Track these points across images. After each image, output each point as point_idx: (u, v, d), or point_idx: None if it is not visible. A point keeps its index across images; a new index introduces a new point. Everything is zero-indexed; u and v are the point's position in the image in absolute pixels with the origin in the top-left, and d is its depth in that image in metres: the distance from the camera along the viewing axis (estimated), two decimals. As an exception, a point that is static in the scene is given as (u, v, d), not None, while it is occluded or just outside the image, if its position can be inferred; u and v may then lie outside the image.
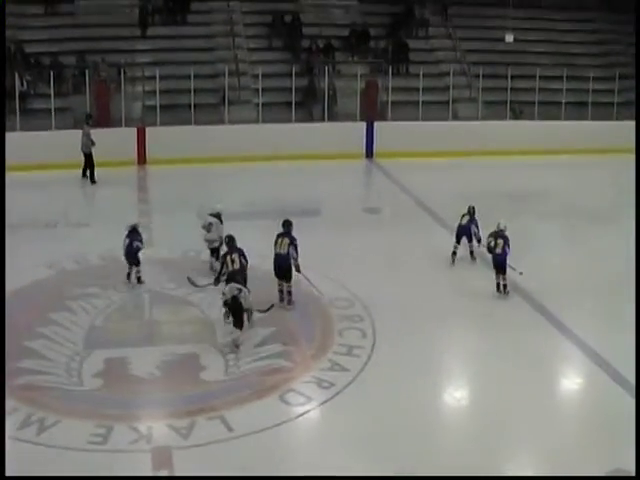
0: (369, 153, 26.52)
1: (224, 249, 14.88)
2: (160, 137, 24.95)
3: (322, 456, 10.83)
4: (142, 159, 25.28)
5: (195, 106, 25.99)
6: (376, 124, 26.74)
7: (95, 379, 12.42)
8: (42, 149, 24.23)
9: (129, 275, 16.01)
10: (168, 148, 24.52)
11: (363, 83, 27.70)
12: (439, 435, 11.39)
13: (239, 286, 13.51)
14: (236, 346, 13.32)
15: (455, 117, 28.20)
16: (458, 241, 17.35)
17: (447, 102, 28.11)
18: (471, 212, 17.38)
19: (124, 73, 26.75)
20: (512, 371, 12.72)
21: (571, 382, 13.14)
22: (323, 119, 27.26)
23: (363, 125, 26.73)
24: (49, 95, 25.92)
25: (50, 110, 25.58)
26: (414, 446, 10.87)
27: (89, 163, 23.97)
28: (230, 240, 14.64)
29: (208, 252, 16.55)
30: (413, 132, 26.14)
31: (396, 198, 22.06)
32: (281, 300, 15.02)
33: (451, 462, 10.52)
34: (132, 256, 15.93)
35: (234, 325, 13.43)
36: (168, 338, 13.75)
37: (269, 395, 12.07)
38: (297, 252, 14.98)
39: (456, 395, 12.62)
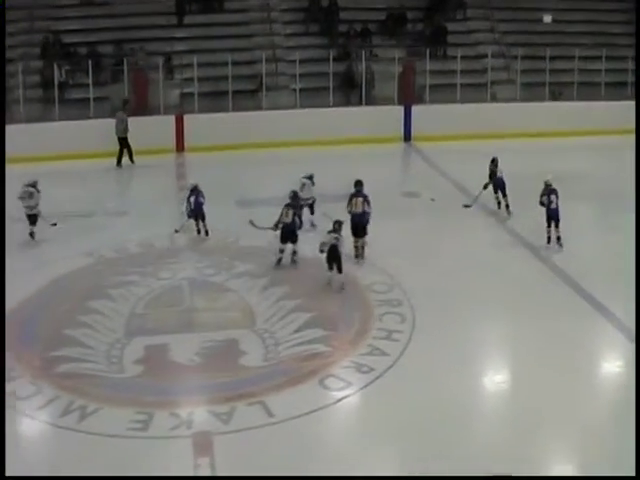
0: (407, 137, 26.33)
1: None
2: (198, 124, 24.94)
3: (361, 441, 10.85)
4: (180, 146, 25.31)
5: (233, 93, 25.97)
6: (414, 107, 26.55)
7: (136, 366, 12.52)
8: (81, 138, 24.35)
9: (199, 231, 17.75)
10: (206, 135, 24.53)
11: (400, 67, 27.49)
12: (478, 422, 11.35)
13: (337, 235, 15.05)
14: (342, 289, 14.82)
15: (493, 99, 27.94)
16: (495, 191, 19.05)
17: (485, 84, 27.84)
18: (496, 163, 18.94)
19: (169, 60, 27.05)
20: (552, 356, 12.61)
21: (612, 366, 13.01)
22: (361, 103, 27.07)
23: (401, 109, 26.55)
24: (87, 85, 26.04)
25: (89, 99, 25.73)
26: (452, 432, 10.83)
27: (126, 146, 24.22)
28: (294, 195, 16.69)
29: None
30: (451, 115, 25.94)
31: (434, 182, 21.93)
32: (356, 256, 16.22)
33: (488, 450, 10.49)
34: (200, 211, 17.63)
35: (338, 271, 14.95)
36: (208, 324, 13.80)
37: (309, 380, 12.10)
38: (371, 207, 16.34)
39: (495, 381, 12.57)
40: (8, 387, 11.86)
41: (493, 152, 19.81)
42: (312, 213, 18.28)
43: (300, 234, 16.45)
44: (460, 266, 16.10)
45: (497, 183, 19.02)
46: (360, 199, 16.48)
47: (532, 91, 28.02)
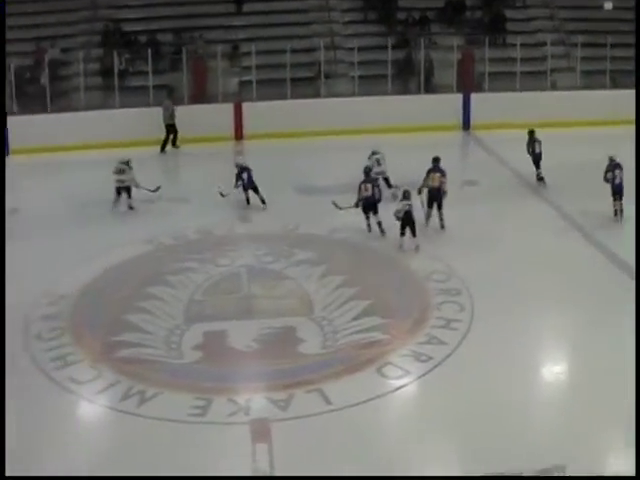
0: (466, 125, 26.11)
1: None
2: (257, 112, 24.94)
3: (418, 430, 10.83)
4: (239, 134, 25.34)
5: (291, 80, 26.00)
6: (473, 96, 26.29)
7: (194, 352, 12.61)
8: (141, 126, 24.53)
9: (248, 201, 19.00)
10: (265, 123, 24.54)
11: (459, 54, 27.27)
12: (535, 412, 11.25)
13: (409, 202, 16.28)
14: (417, 250, 16.12)
15: (553, 87, 27.59)
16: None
17: (545, 72, 27.49)
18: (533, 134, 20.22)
19: (236, 48, 27.23)
20: (612, 348, 12.40)
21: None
22: (419, 91, 26.92)
23: (460, 97, 26.31)
24: (147, 72, 26.24)
25: (148, 87, 25.92)
26: (509, 422, 10.73)
27: (172, 132, 24.59)
28: (368, 171, 17.91)
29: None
30: (510, 103, 25.63)
31: (493, 170, 21.75)
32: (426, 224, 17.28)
33: (544, 441, 10.34)
34: (253, 184, 18.93)
35: (413, 234, 16.22)
36: (266, 311, 13.85)
37: (367, 368, 12.09)
38: (447, 180, 17.55)
39: (553, 372, 12.45)
40: (67, 371, 12.11)
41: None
42: (389, 186, 19.13)
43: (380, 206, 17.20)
44: (519, 254, 15.98)
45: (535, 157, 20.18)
46: (438, 174, 17.60)
47: (592, 79, 27.63)
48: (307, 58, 27.55)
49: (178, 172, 23.79)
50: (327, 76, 26.87)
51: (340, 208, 17.36)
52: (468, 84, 26.91)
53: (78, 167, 22.83)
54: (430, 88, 27.15)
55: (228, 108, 25.41)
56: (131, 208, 19.23)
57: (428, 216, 17.43)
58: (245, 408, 11.19)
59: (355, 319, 13.39)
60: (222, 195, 18.94)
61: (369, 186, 17.18)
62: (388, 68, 26.41)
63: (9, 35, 28.26)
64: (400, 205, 16.44)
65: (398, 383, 11.82)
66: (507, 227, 17.51)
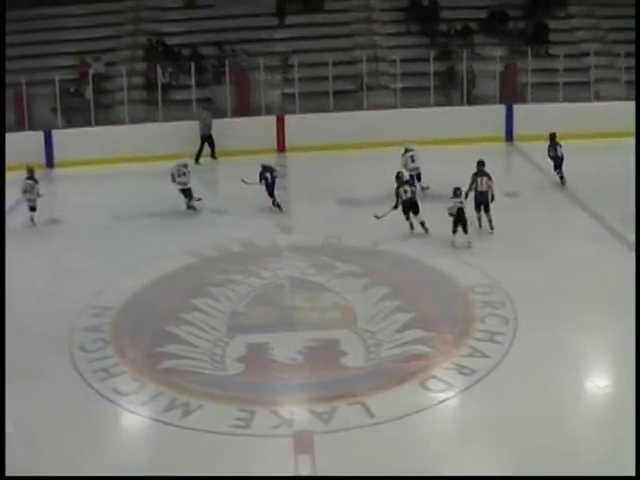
0: (509, 136, 25.98)
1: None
2: (299, 124, 25.05)
3: (461, 444, 10.70)
4: (282, 146, 25.47)
5: (333, 93, 26.05)
6: (516, 107, 26.19)
7: (238, 364, 12.61)
8: (184, 139, 24.73)
9: (275, 202, 19.55)
10: (307, 135, 24.66)
11: (502, 65, 27.17)
12: (579, 427, 11.05)
13: (460, 199, 16.99)
14: (469, 247, 16.83)
15: (597, 98, 27.40)
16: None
17: (588, 83, 27.31)
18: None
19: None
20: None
21: None
22: (462, 103, 26.90)
23: (502, 108, 26.22)
24: (190, 86, 26.42)
25: (191, 101, 26.09)
26: (552, 437, 10.56)
27: (210, 143, 24.95)
28: (398, 176, 18.33)
29: None
30: (554, 114, 25.43)
31: (536, 181, 21.63)
32: (480, 226, 17.82)
33: (589, 455, 10.22)
34: (275, 186, 19.60)
35: (464, 232, 16.95)
36: (309, 324, 13.83)
37: (410, 381, 12.00)
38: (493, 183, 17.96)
39: (598, 386, 12.24)
40: (111, 382, 12.16)
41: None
42: (419, 181, 20.35)
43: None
44: (563, 266, 15.80)
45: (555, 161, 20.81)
46: (485, 178, 17.98)
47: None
48: (349, 70, 27.62)
49: (220, 184, 23.88)
50: (369, 88, 26.87)
51: (380, 217, 17.59)
52: (511, 95, 26.80)
53: (121, 179, 23.05)
54: (472, 99, 27.07)
55: (270, 120, 25.50)
56: (190, 208, 19.99)
57: (479, 219, 17.88)
58: (288, 420, 11.16)
59: (398, 332, 13.32)
60: (244, 182, 19.90)
61: (407, 188, 17.88)
62: (430, 80, 26.35)
63: (54, 49, 28.68)
64: (452, 203, 17.02)
65: (441, 396, 11.73)
66: (550, 239, 17.36)
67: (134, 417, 11.61)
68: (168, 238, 18.18)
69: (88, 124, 26.20)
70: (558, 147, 20.92)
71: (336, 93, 26.14)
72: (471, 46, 28.46)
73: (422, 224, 17.67)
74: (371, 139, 24.40)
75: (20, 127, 26.07)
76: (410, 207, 17.74)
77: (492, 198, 17.86)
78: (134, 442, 11.25)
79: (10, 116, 26.25)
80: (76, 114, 27.01)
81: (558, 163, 20.97)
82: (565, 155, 20.66)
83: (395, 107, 26.45)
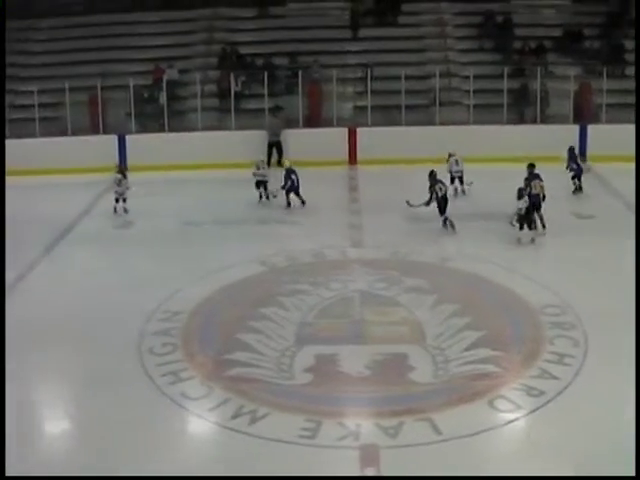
0: (582, 156, 25.72)
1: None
2: (371, 137, 25.03)
3: (528, 465, 10.56)
4: (353, 159, 25.48)
5: (405, 107, 26.04)
6: (589, 127, 25.93)
7: (305, 374, 12.62)
8: (255, 147, 24.88)
9: (290, 204, 20.98)
10: (378, 148, 24.66)
11: (576, 85, 26.92)
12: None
13: (526, 198, 18.17)
14: (533, 242, 18.15)
15: (673, 120, 27.02)
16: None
17: (663, 105, 26.98)
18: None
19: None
20: None
21: None
22: (535, 121, 26.70)
23: (576, 128, 25.95)
24: (262, 95, 26.61)
25: (264, 110, 26.26)
26: (622, 462, 10.26)
27: (278, 150, 25.14)
28: (432, 174, 19.52)
29: None
30: (628, 135, 25.12)
31: (609, 203, 21.37)
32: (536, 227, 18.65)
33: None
34: (299, 186, 20.87)
35: (529, 228, 18.24)
36: (377, 337, 13.79)
37: (477, 400, 11.89)
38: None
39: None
40: (179, 387, 12.25)
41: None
42: (462, 183, 21.85)
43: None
44: (634, 289, 15.55)
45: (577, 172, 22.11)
46: (538, 181, 18.97)
47: None
48: (422, 85, 27.57)
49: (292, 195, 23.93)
50: (442, 104, 26.80)
51: (412, 206, 19.12)
52: (585, 115, 26.54)
53: (192, 186, 23.28)
54: (546, 118, 26.84)
55: (342, 133, 25.55)
56: (269, 197, 21.57)
57: (534, 221, 18.66)
58: (355, 433, 11.13)
59: (467, 350, 13.23)
60: (274, 197, 21.17)
61: (442, 186, 19.27)
62: (504, 97, 26.20)
63: (129, 55, 29.08)
64: (521, 203, 18.13)
65: (509, 417, 11.61)
66: (623, 261, 17.08)
67: (202, 422, 11.70)
68: (238, 246, 18.30)
69: (161, 130, 26.53)
70: (578, 158, 22.67)
71: (408, 107, 26.12)
72: (545, 64, 28.23)
73: (446, 220, 19.04)
74: (442, 155, 24.31)
75: (95, 131, 26.50)
76: (445, 204, 19.04)
77: (544, 198, 18.90)
78: (201, 447, 11.31)
79: (85, 120, 26.73)
80: (149, 120, 27.38)
81: (578, 174, 22.35)
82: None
83: (467, 123, 26.38)
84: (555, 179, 22.67)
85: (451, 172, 21.91)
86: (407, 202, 19.24)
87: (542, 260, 16.99)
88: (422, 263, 17.11)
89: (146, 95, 27.80)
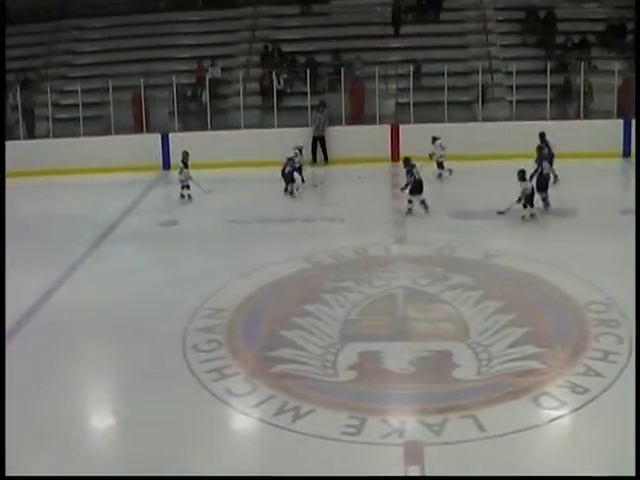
0: (626, 152, 25.49)
1: None
2: (413, 134, 24.96)
3: (572, 463, 10.46)
4: (396, 156, 25.39)
5: (448, 104, 25.98)
6: (634, 122, 25.66)
7: (349, 371, 12.60)
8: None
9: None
10: (421, 145, 24.57)
11: (620, 80, 26.69)
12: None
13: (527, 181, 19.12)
14: (533, 217, 19.13)
15: None
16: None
17: None
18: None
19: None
20: None
21: None
22: (578, 117, 26.55)
23: (620, 123, 25.73)
24: (305, 93, 26.67)
25: (306, 108, 26.32)
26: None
27: (322, 145, 25.33)
28: (406, 160, 20.52)
29: None
30: (674, 129, 24.94)
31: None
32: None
33: None
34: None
35: (530, 206, 19.23)
36: (421, 334, 13.74)
37: (522, 397, 11.80)
38: None
39: None
40: (224, 383, 12.31)
41: None
42: (442, 167, 23.33)
43: None
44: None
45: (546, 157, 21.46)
46: (547, 162, 20.44)
47: None
48: (464, 81, 27.49)
49: (336, 192, 23.96)
50: (485, 100, 26.70)
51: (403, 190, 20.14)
52: (629, 110, 26.29)
53: (236, 184, 23.42)
54: (589, 114, 26.64)
55: (385, 129, 25.53)
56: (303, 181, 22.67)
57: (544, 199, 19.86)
58: (399, 430, 11.12)
59: (511, 346, 13.15)
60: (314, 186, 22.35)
61: (418, 170, 20.17)
62: (547, 93, 26.05)
63: (172, 53, 29.32)
64: (526, 184, 19.07)
65: (554, 414, 11.51)
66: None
67: (246, 419, 11.71)
68: (282, 243, 18.41)
69: (204, 128, 26.69)
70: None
71: (451, 104, 26.05)
72: (588, 59, 28.04)
73: (423, 202, 19.85)
74: (486, 151, 24.26)
75: (138, 130, 26.72)
76: (420, 188, 19.88)
77: (555, 178, 20.89)
78: (245, 444, 11.37)
79: (129, 119, 26.98)
80: (192, 118, 27.56)
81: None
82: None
83: (510, 119, 26.26)
84: (599, 175, 22.67)
85: (436, 156, 23.16)
86: (401, 189, 20.32)
87: (587, 256, 16.79)
88: (466, 260, 17.02)
89: (189, 93, 28.03)
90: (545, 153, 21.17)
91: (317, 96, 27.00)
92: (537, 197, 19.62)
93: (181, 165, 22.27)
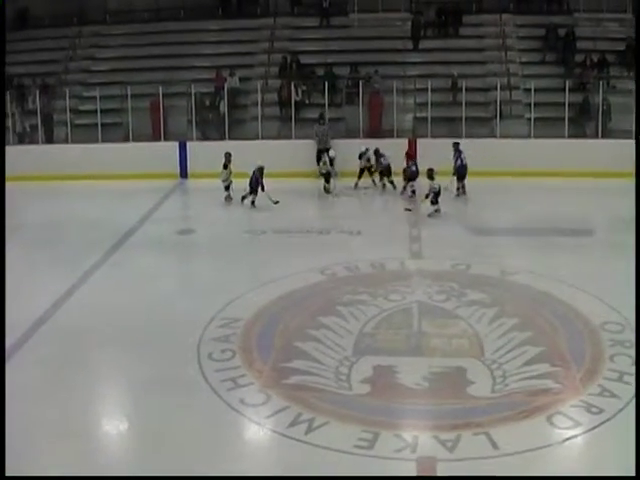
0: (642, 171, 25.47)
1: None
2: (431, 149, 24.94)
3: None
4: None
5: (466, 119, 25.97)
6: (645, 138, 25.62)
7: (363, 385, 12.60)
8: (314, 157, 25.03)
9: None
10: (438, 160, 24.52)
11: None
12: None
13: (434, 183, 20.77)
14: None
15: None
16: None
17: None
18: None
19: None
20: None
21: None
22: (597, 136, 26.49)
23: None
24: (323, 105, 26.72)
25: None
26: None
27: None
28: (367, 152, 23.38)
29: None
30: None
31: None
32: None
33: None
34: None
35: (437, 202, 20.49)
36: (436, 350, 13.73)
37: (536, 416, 11.77)
38: None
39: None
40: (238, 393, 12.31)
41: None
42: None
43: None
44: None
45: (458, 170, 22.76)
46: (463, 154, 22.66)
47: None
48: (483, 97, 27.49)
49: (352, 205, 23.96)
50: (503, 116, 26.70)
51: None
52: (647, 130, 26.25)
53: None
54: (607, 133, 26.59)
55: (403, 144, 25.54)
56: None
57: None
58: (412, 445, 11.09)
59: (526, 364, 13.13)
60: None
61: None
62: (565, 111, 26.02)
63: (190, 62, 29.43)
64: (435, 183, 20.73)
65: (568, 434, 11.46)
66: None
67: (259, 429, 11.70)
68: (298, 255, 18.43)
69: (222, 138, 26.76)
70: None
71: (469, 119, 26.05)
72: (607, 78, 28.01)
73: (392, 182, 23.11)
74: (503, 168, 24.22)
75: (156, 138, 26.80)
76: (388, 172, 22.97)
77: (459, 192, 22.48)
78: (258, 454, 11.35)
79: (147, 126, 27.06)
80: (210, 127, 27.63)
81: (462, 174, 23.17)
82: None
83: (528, 137, 26.24)
84: (616, 195, 22.59)
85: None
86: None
87: (603, 276, 16.76)
88: (482, 276, 17.01)
89: (207, 103, 28.07)
90: (459, 164, 22.49)
91: (335, 108, 27.05)
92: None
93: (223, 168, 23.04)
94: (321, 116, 26.33)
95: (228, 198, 22.76)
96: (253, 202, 22.04)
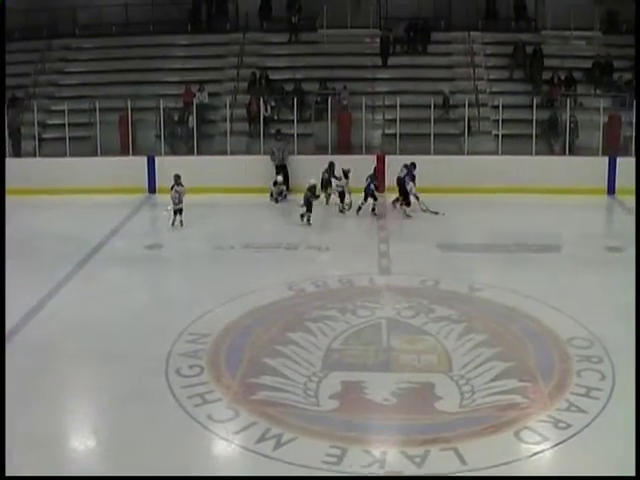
0: (611, 189, 25.58)
1: None
2: (399, 165, 24.95)
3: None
4: (381, 187, 25.16)
5: (434, 136, 26.06)
6: (619, 159, 25.78)
7: (331, 400, 12.58)
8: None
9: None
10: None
11: (606, 117, 26.89)
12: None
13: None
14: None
15: None
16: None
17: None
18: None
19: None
20: None
21: None
22: (564, 152, 26.65)
23: (605, 160, 25.86)
24: (292, 121, 26.73)
25: (293, 135, 26.35)
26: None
27: (284, 174, 25.09)
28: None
29: None
30: (658, 169, 25.10)
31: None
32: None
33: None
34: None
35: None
36: (404, 366, 13.73)
37: (504, 431, 11.80)
38: None
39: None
40: (205, 409, 12.25)
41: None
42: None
43: None
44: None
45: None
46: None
47: None
48: (451, 114, 27.62)
49: (322, 221, 23.88)
50: (471, 133, 26.82)
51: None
52: (614, 147, 26.48)
53: (222, 209, 23.40)
54: (575, 150, 26.79)
55: (371, 160, 25.57)
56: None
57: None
58: (380, 460, 11.09)
59: (494, 380, 13.17)
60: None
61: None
62: (533, 128, 26.20)
63: (159, 77, 29.37)
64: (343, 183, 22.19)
65: (535, 448, 11.50)
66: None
67: (227, 445, 11.65)
68: (266, 270, 18.41)
69: (190, 152, 26.72)
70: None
71: (437, 136, 26.14)
72: (575, 96, 28.24)
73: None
74: (471, 185, 24.32)
75: (125, 152, 26.70)
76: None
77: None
78: (225, 470, 11.26)
79: (115, 140, 26.95)
80: (179, 142, 27.58)
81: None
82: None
83: (496, 153, 26.37)
84: (584, 211, 22.78)
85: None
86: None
87: (571, 292, 16.86)
88: (451, 292, 17.07)
89: (176, 117, 28.00)
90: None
91: (304, 124, 27.07)
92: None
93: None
94: (278, 132, 26.36)
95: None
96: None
